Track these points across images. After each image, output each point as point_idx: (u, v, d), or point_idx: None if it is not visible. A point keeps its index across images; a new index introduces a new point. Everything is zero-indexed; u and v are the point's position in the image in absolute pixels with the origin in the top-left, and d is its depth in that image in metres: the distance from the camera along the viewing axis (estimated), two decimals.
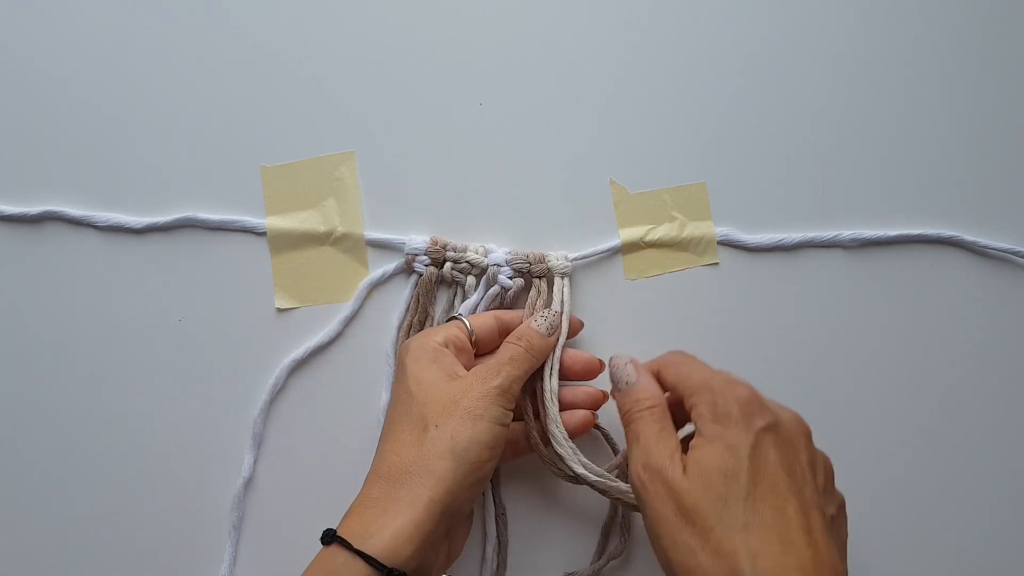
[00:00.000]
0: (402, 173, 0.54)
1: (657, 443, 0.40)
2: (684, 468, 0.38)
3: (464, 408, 0.43)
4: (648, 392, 0.43)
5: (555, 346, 0.48)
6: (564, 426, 0.47)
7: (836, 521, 0.40)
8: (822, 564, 0.36)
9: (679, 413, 0.43)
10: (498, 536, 0.50)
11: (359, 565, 0.39)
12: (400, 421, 0.44)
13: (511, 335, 0.47)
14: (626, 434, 0.42)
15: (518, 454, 0.49)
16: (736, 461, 0.38)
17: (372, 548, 0.39)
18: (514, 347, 0.46)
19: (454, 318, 0.49)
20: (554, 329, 0.48)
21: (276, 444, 0.52)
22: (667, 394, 0.44)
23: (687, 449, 0.40)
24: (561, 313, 0.50)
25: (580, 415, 0.49)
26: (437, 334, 0.47)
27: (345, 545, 0.39)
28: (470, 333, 0.48)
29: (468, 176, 0.54)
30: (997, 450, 0.52)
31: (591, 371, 0.49)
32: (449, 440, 0.42)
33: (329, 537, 0.40)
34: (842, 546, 0.40)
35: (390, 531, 0.39)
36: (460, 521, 0.45)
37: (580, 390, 0.49)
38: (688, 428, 0.42)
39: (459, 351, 0.47)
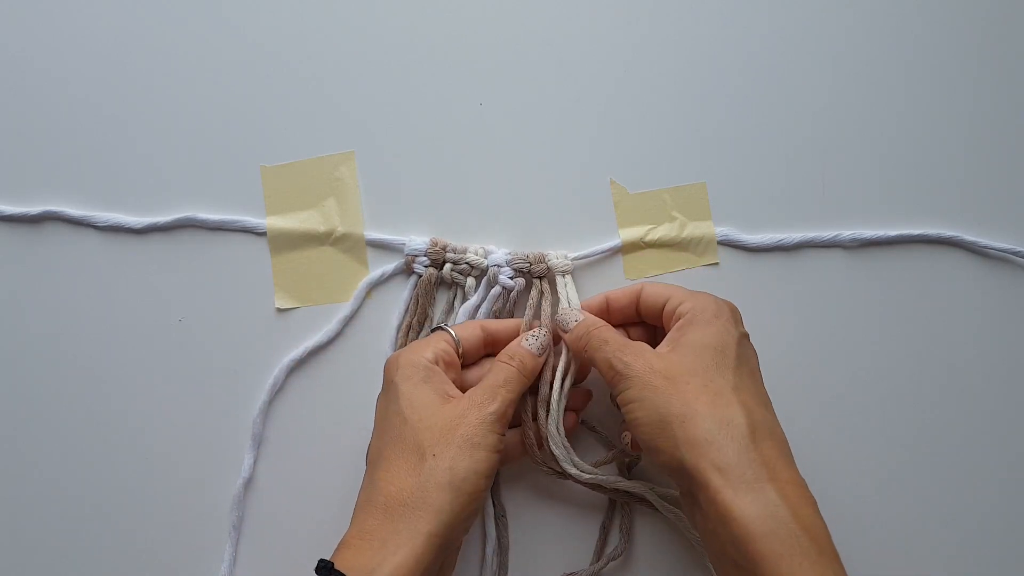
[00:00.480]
0: (402, 173, 0.54)
1: (623, 340, 0.45)
2: (671, 349, 0.43)
3: (462, 436, 0.42)
4: (600, 321, 0.47)
5: (543, 365, 0.48)
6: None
7: None
8: (782, 441, 0.42)
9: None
10: (498, 538, 0.50)
11: None
12: (393, 447, 0.42)
13: (503, 353, 0.47)
14: (591, 353, 0.45)
15: (506, 461, 0.49)
16: (727, 341, 0.43)
17: None
18: (507, 368, 0.46)
19: (440, 328, 0.48)
20: (544, 350, 0.48)
21: (276, 444, 0.52)
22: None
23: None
24: (549, 328, 0.49)
25: (567, 417, 0.49)
26: (426, 349, 0.46)
27: None
28: (457, 345, 0.47)
29: (468, 176, 0.54)
30: (997, 449, 0.52)
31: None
32: (448, 471, 0.41)
33: (326, 571, 0.39)
34: None
35: (390, 567, 0.38)
36: (454, 550, 0.44)
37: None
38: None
39: (448, 366, 0.46)
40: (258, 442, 0.51)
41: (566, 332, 0.48)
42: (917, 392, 0.53)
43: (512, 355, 0.47)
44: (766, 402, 0.43)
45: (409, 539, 0.39)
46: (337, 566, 0.39)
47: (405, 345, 0.51)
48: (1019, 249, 0.53)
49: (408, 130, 0.54)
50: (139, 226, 0.53)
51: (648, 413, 0.42)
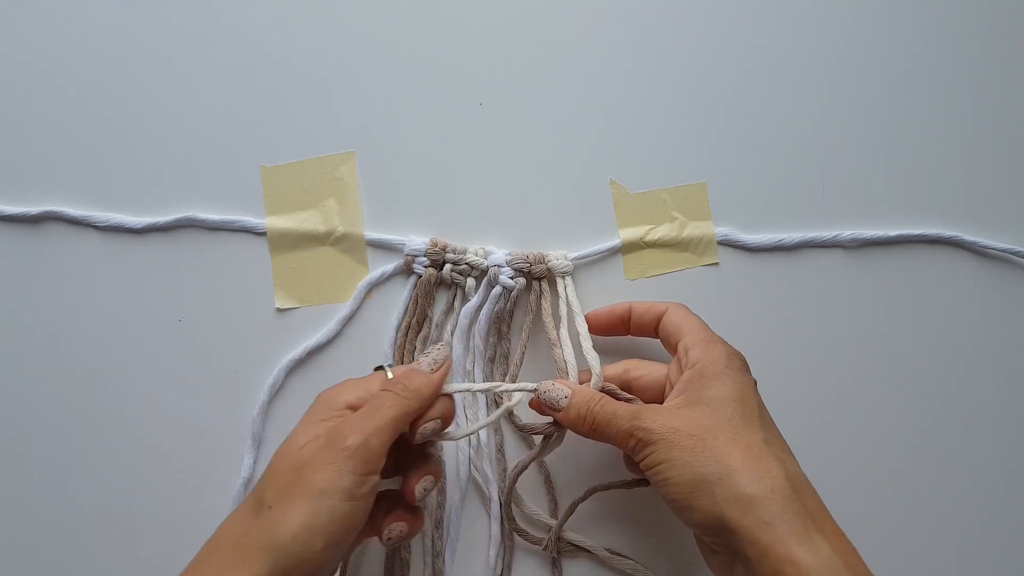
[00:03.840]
0: (402, 173, 0.54)
1: (636, 406, 0.43)
2: (690, 408, 0.42)
3: (306, 482, 0.37)
4: (594, 391, 0.45)
5: (442, 381, 0.43)
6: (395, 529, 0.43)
7: None
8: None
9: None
10: (502, 538, 0.50)
11: None
12: (257, 486, 0.39)
13: (394, 380, 0.42)
14: (598, 430, 0.43)
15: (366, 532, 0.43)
16: (746, 392, 0.42)
17: None
18: (382, 396, 0.41)
19: (380, 368, 0.44)
20: (440, 364, 0.43)
21: (275, 444, 0.51)
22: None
23: None
24: (451, 345, 0.47)
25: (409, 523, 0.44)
26: (353, 390, 0.41)
27: None
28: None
29: (468, 176, 0.54)
30: (997, 449, 0.52)
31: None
32: (271, 530, 0.36)
33: None
34: None
35: None
36: None
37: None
38: None
39: (354, 407, 0.41)
40: (258, 442, 0.51)
41: (557, 411, 0.45)
42: (917, 392, 0.53)
43: (395, 380, 0.41)
44: (790, 451, 0.42)
45: None
46: None
47: (403, 345, 0.51)
48: (1019, 249, 0.53)
49: (408, 130, 0.54)
50: (139, 226, 0.53)
51: (680, 473, 0.40)
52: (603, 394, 0.45)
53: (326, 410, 0.41)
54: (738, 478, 0.38)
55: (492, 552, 0.50)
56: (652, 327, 0.48)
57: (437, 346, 0.44)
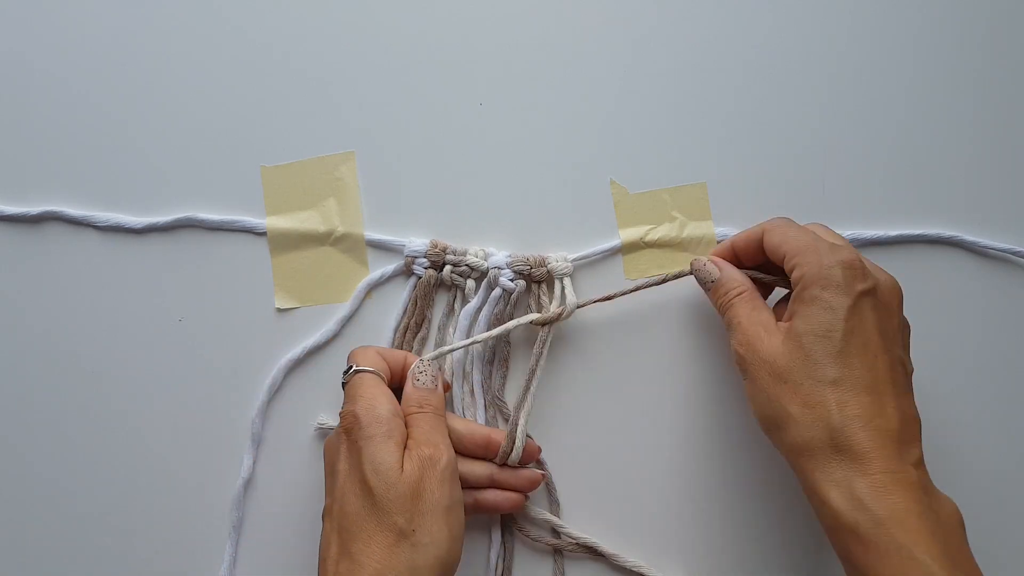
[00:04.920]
0: (402, 173, 0.54)
1: (750, 321, 0.44)
2: (783, 337, 0.43)
3: (431, 503, 0.41)
4: (735, 281, 0.47)
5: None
6: (495, 504, 0.48)
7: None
8: (905, 413, 0.41)
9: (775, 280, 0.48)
10: (503, 542, 0.50)
11: None
12: (366, 520, 0.41)
13: (410, 405, 0.45)
14: (724, 323, 0.46)
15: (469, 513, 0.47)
16: (833, 321, 0.41)
17: None
18: (427, 416, 0.45)
19: (361, 372, 0.46)
20: (436, 379, 0.47)
21: (275, 444, 0.52)
22: (757, 270, 0.48)
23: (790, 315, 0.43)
24: (442, 357, 0.49)
25: (514, 497, 0.48)
26: (381, 400, 0.44)
27: None
28: (385, 381, 0.46)
29: (468, 176, 0.54)
30: (997, 450, 0.52)
31: (490, 447, 0.48)
32: (431, 548, 0.41)
33: None
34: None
35: None
36: None
37: (522, 473, 0.49)
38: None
39: (397, 413, 0.45)
40: (258, 442, 0.51)
41: (706, 288, 0.48)
42: (916, 392, 0.53)
43: (420, 403, 0.45)
44: (872, 379, 0.41)
45: None
46: None
47: (402, 346, 0.51)
48: (1019, 249, 0.53)
49: (408, 130, 0.54)
50: (139, 226, 0.53)
51: (758, 407, 0.44)
52: (748, 289, 0.46)
53: (379, 425, 0.43)
54: (793, 425, 0.41)
55: (492, 554, 0.50)
56: (761, 256, 0.48)
57: (424, 363, 0.47)
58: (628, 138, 0.54)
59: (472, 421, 0.50)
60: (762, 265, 0.48)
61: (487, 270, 0.51)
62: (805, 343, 0.42)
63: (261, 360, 0.52)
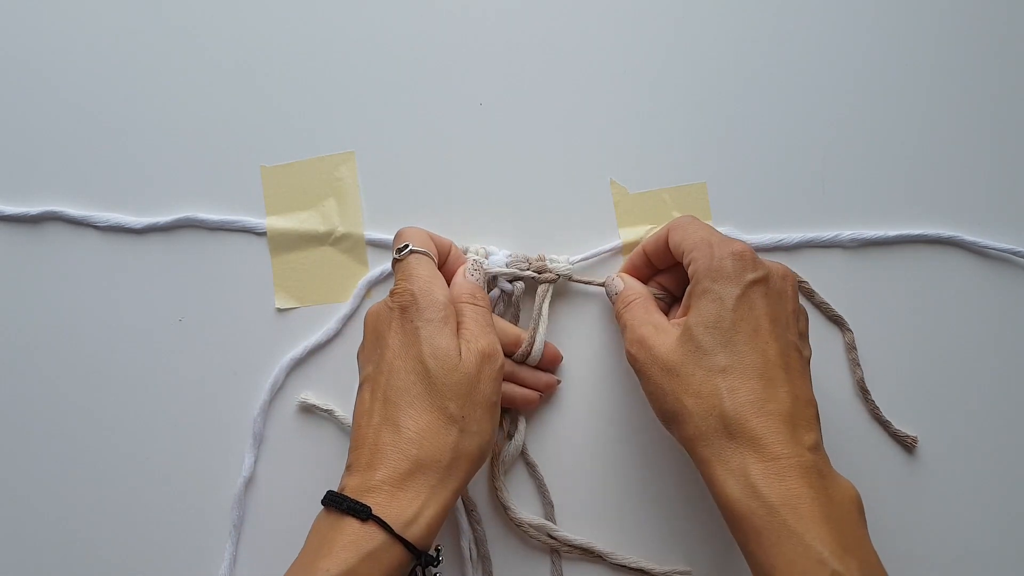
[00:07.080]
0: (402, 173, 0.54)
1: (640, 322, 0.46)
2: (678, 333, 0.43)
3: (482, 396, 0.43)
4: (632, 291, 0.48)
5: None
6: (510, 397, 0.50)
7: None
8: (798, 397, 0.42)
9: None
10: (473, 532, 0.50)
11: (398, 550, 0.40)
12: (420, 398, 0.42)
13: (463, 294, 0.46)
14: (620, 329, 0.48)
15: None
16: (722, 311, 0.42)
17: (411, 536, 0.40)
18: (478, 308, 0.46)
19: (415, 252, 0.46)
20: (484, 281, 0.49)
21: (276, 444, 0.52)
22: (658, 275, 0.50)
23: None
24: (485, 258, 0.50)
25: (529, 393, 0.50)
26: (439, 287, 0.45)
27: (383, 526, 0.39)
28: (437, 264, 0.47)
29: (468, 176, 0.54)
30: (997, 450, 0.52)
31: (519, 347, 0.50)
32: (477, 436, 0.42)
33: (365, 514, 0.40)
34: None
35: (426, 520, 0.40)
36: None
37: (540, 375, 0.51)
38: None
39: (450, 300, 0.46)
40: (258, 442, 0.51)
41: (612, 301, 0.50)
42: (916, 392, 0.53)
43: (473, 296, 0.46)
44: (763, 365, 0.41)
45: (441, 494, 0.41)
46: (376, 512, 0.40)
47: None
48: (1019, 249, 0.53)
49: (408, 130, 0.54)
50: (139, 226, 0.53)
51: (654, 404, 0.44)
52: (633, 299, 0.48)
53: (437, 310, 0.44)
54: (688, 417, 0.42)
55: (464, 543, 0.50)
56: (670, 256, 0.48)
57: (472, 258, 0.49)
58: (628, 138, 0.54)
59: (502, 319, 0.51)
60: (675, 266, 0.49)
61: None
62: (696, 335, 0.42)
63: (261, 360, 0.52)
